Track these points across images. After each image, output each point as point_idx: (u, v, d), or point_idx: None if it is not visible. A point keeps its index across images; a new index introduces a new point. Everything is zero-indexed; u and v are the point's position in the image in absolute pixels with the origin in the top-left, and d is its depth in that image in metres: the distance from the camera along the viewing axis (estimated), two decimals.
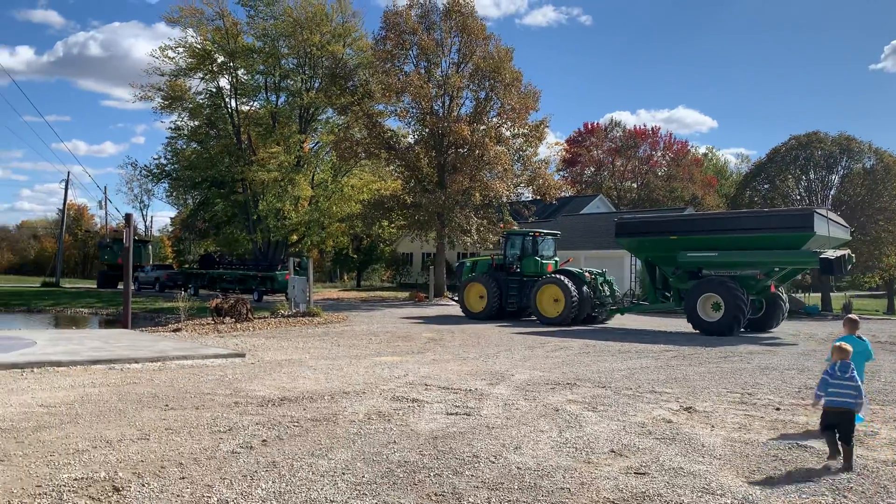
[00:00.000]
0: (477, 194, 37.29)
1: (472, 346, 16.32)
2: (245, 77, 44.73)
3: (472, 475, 5.78)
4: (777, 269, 20.24)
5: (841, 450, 6.16)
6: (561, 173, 66.72)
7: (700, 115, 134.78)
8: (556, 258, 25.82)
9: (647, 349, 16.31)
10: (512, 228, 29.76)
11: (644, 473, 5.87)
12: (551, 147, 71.52)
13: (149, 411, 8.19)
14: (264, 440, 6.88)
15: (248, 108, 46.32)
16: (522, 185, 41.14)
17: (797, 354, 15.92)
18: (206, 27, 42.37)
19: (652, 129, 66.85)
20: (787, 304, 21.88)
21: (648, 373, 12.35)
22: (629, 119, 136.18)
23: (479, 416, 8.14)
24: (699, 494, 5.38)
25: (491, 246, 37.64)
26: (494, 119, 37.76)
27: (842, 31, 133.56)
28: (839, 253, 19.02)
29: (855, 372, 6.30)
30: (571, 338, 18.65)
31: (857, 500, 5.30)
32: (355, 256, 54.52)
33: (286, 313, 24.73)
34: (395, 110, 37.89)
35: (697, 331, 20.37)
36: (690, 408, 8.92)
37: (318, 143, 46.57)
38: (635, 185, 64.85)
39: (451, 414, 8.27)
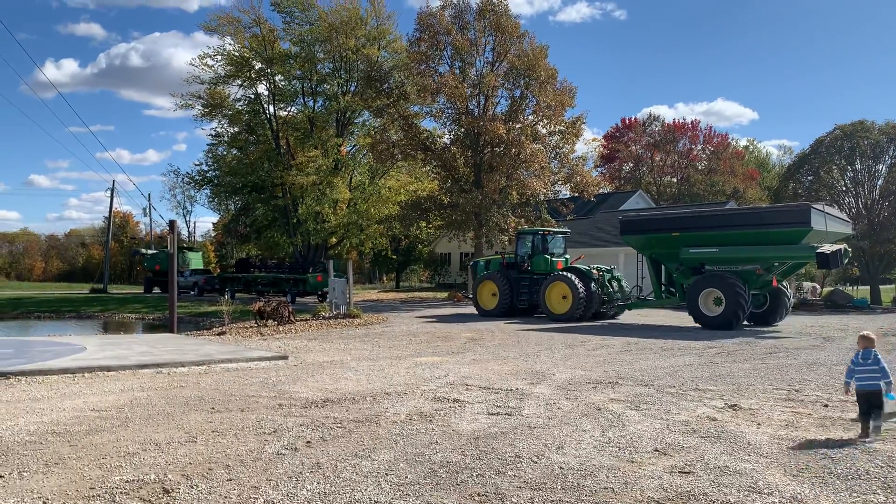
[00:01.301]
0: (514, 193, 37.17)
1: (512, 346, 16.29)
2: (282, 83, 45.31)
3: (514, 475, 5.79)
4: (777, 264, 20.44)
5: (872, 425, 6.97)
6: (599, 170, 66.09)
7: (740, 107, 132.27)
8: (567, 256, 26.38)
9: (689, 346, 16.09)
10: (523, 227, 29.86)
11: (689, 472, 5.81)
12: (588, 143, 70.99)
13: (195, 414, 8.36)
14: (308, 441, 6.98)
15: (285, 113, 46.93)
16: (560, 182, 40.82)
17: (845, 349, 15.53)
18: (243, 35, 43.07)
19: (691, 122, 65.83)
20: (791, 298, 22.00)
21: (692, 370, 12.18)
22: (667, 113, 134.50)
23: (521, 416, 8.14)
24: (746, 493, 5.31)
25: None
26: (530, 117, 37.58)
27: (886, 16, 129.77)
28: (835, 247, 19.09)
29: (879, 358, 7.03)
30: (613, 336, 18.50)
31: None
32: (394, 258, 54.82)
33: (327, 315, 25.00)
34: (431, 111, 37.98)
35: (699, 325, 20.56)
36: (735, 405, 8.78)
37: (354, 145, 46.95)
38: (675, 180, 63.90)
39: (493, 414, 8.28)
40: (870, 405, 6.96)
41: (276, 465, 6.15)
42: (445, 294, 39.79)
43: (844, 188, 38.75)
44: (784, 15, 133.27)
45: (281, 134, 45.61)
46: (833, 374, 11.59)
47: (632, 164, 65.52)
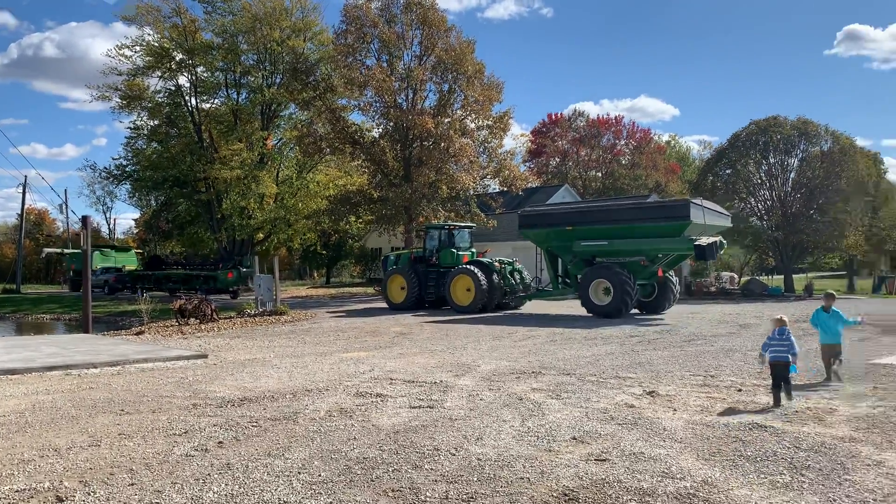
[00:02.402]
0: (444, 187, 37.14)
1: (441, 339, 16.24)
2: (205, 74, 44.02)
3: (431, 469, 5.70)
4: (661, 256, 21.40)
5: (784, 391, 8.10)
6: (527, 164, 66.80)
7: (662, 103, 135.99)
8: (473, 249, 27.08)
9: (612, 335, 16.38)
10: (430, 222, 30.30)
11: (604, 460, 5.83)
12: (517, 138, 71.64)
13: (102, 417, 7.96)
14: (220, 442, 6.72)
15: (208, 105, 45.64)
16: (489, 176, 41.09)
17: (760, 336, 16.05)
18: (162, 25, 41.60)
19: (615, 118, 67.26)
20: (678, 288, 23.05)
21: (613, 359, 12.38)
22: (592, 109, 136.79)
23: (443, 409, 8.06)
24: (659, 479, 5.36)
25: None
26: (458, 111, 37.58)
27: (797, 18, 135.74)
28: (712, 239, 20.14)
29: (790, 335, 8.29)
30: (539, 326, 18.67)
31: (814, 478, 5.32)
32: (324, 253, 54.08)
33: (253, 312, 24.41)
34: (359, 104, 37.52)
35: (590, 314, 21.33)
36: (653, 392, 8.93)
37: (281, 139, 46.05)
38: (600, 174, 65.17)
39: (415, 407, 8.17)
40: (779, 377, 8.07)
41: (183, 467, 5.88)
42: (376, 289, 39.45)
43: (759, 181, 40.24)
44: (703, 14, 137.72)
45: (204, 127, 44.30)
46: (747, 360, 11.96)
47: (558, 159, 66.46)
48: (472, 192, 39.19)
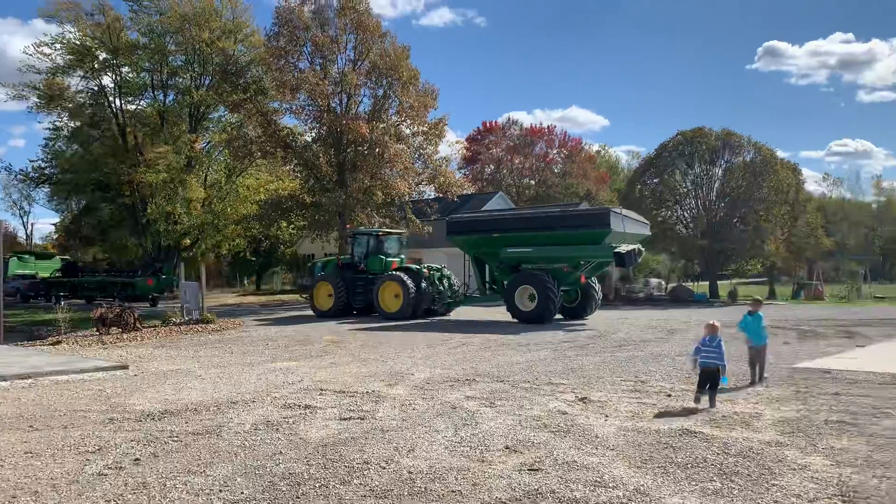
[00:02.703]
0: (378, 193, 36.84)
1: (374, 347, 15.99)
2: (130, 75, 42.54)
3: (360, 483, 5.50)
4: (583, 263, 21.92)
5: (709, 397, 8.40)
6: (462, 171, 67.04)
7: (593, 114, 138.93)
8: (402, 256, 27.18)
9: (545, 341, 16.46)
10: (358, 228, 30.18)
11: (537, 469, 5.75)
12: (452, 145, 71.84)
13: (9, 434, 7.44)
14: (137, 459, 6.35)
15: (133, 106, 44.12)
16: (424, 182, 40.94)
17: (688, 341, 16.43)
18: (85, 22, 39.97)
19: (548, 127, 68.25)
20: (600, 294, 23.64)
21: (546, 364, 12.40)
22: (526, 118, 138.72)
23: (374, 420, 7.86)
24: (592, 488, 5.30)
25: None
26: (393, 117, 37.39)
27: (720, 33, 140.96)
28: (631, 247, 20.85)
29: (721, 344, 8.56)
30: (473, 333, 18.62)
31: (743, 484, 5.36)
32: (253, 260, 52.89)
33: (178, 321, 23.56)
34: (291, 108, 36.86)
35: (516, 320, 21.63)
36: (585, 398, 8.95)
37: (209, 142, 44.85)
38: (533, 182, 65.98)
39: (345, 419, 7.94)
40: (708, 381, 8.44)
41: (94, 487, 5.51)
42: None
43: (685, 190, 41.40)
44: (633, 28, 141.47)
45: (129, 129, 42.79)
46: (676, 365, 12.16)
47: (493, 167, 66.99)
48: (407, 199, 39.03)
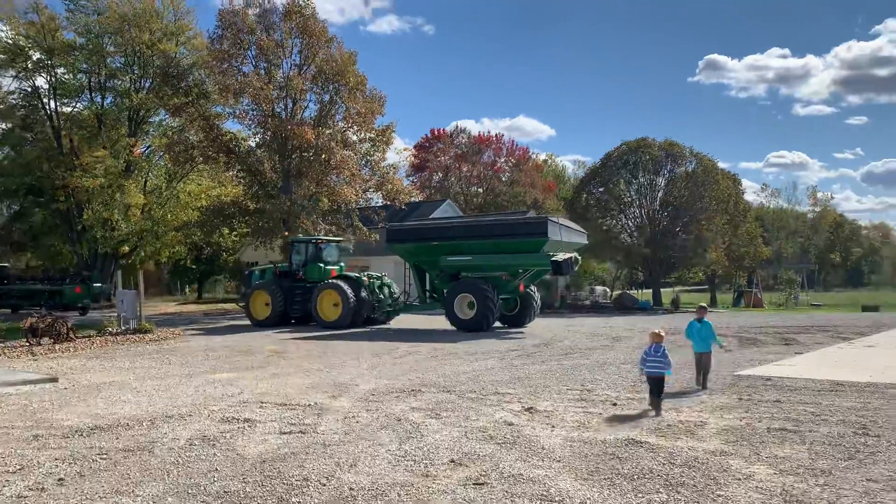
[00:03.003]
0: (325, 199, 36.40)
1: (318, 357, 15.66)
2: (66, 76, 41.12)
3: (298, 501, 5.26)
4: (521, 271, 22.08)
5: (656, 404, 8.61)
6: (410, 179, 66.87)
7: (539, 123, 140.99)
8: (342, 263, 26.86)
9: (492, 349, 16.39)
10: (297, 236, 29.84)
11: (483, 484, 5.61)
12: (400, 153, 71.76)
13: None
14: (61, 479, 5.97)
15: (69, 109, 42.64)
16: (371, 190, 40.63)
17: (632, 348, 16.59)
18: (17, 21, 38.49)
19: (496, 135, 68.62)
20: (538, 302, 23.88)
21: (493, 374, 12.30)
22: (474, 127, 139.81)
23: (316, 434, 7.60)
24: (538, 503, 5.18)
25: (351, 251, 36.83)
26: (340, 123, 37.01)
27: (664, 47, 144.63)
28: (567, 256, 21.19)
29: (665, 352, 8.84)
30: (420, 342, 18.44)
31: (689, 495, 5.32)
32: (194, 267, 51.64)
33: (115, 331, 22.75)
34: (234, 112, 36.14)
35: (455, 328, 21.67)
36: (532, 408, 8.86)
37: (149, 146, 43.62)
38: (481, 190, 66.22)
39: (285, 433, 7.66)
40: (656, 388, 8.68)
41: None
42: None
43: (630, 199, 42.12)
44: (579, 40, 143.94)
45: (64, 132, 41.32)
46: (621, 373, 12.21)
47: (441, 174, 67.01)
48: (354, 206, 38.64)
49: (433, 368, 13.27)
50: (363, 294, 23.86)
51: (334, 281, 24.13)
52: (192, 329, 24.56)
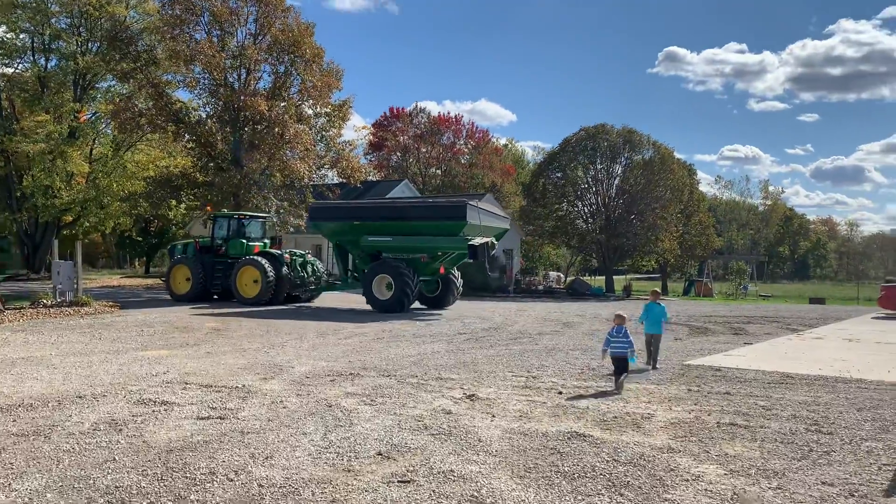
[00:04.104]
0: (277, 174, 35.38)
1: (260, 336, 14.98)
2: (7, 35, 39.14)
3: (198, 500, 4.67)
4: (440, 253, 22.00)
5: (619, 383, 8.99)
6: (368, 157, 65.86)
7: (501, 108, 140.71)
8: (267, 240, 26.58)
9: (441, 332, 15.92)
10: (219, 211, 29.27)
11: (409, 481, 5.08)
12: (358, 130, 70.54)
13: None
14: None
15: (10, 70, 40.68)
16: (326, 166, 39.67)
17: (582, 335, 16.29)
18: None
19: (455, 117, 67.95)
20: (461, 284, 23.86)
21: (438, 357, 11.81)
22: (435, 109, 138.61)
23: (236, 420, 6.99)
24: None
25: (292, 230, 35.86)
26: (295, 96, 35.92)
27: (625, 37, 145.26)
28: (484, 240, 21.19)
29: (627, 332, 9.29)
30: (368, 322, 17.87)
31: (633, 497, 4.87)
32: (141, 240, 50.03)
33: (49, 303, 21.68)
34: (185, 80, 34.72)
35: (372, 308, 21.64)
36: (473, 395, 8.38)
37: (96, 113, 41.89)
38: (439, 172, 65.61)
39: (203, 418, 7.04)
40: (619, 367, 9.07)
41: None
42: None
43: (586, 185, 41.95)
44: (542, 27, 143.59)
45: (4, 94, 39.39)
46: (570, 360, 11.83)
47: (399, 154, 66.14)
48: (307, 182, 37.66)
49: (377, 350, 12.73)
50: (284, 271, 23.65)
51: (254, 257, 23.80)
52: (134, 303, 23.56)
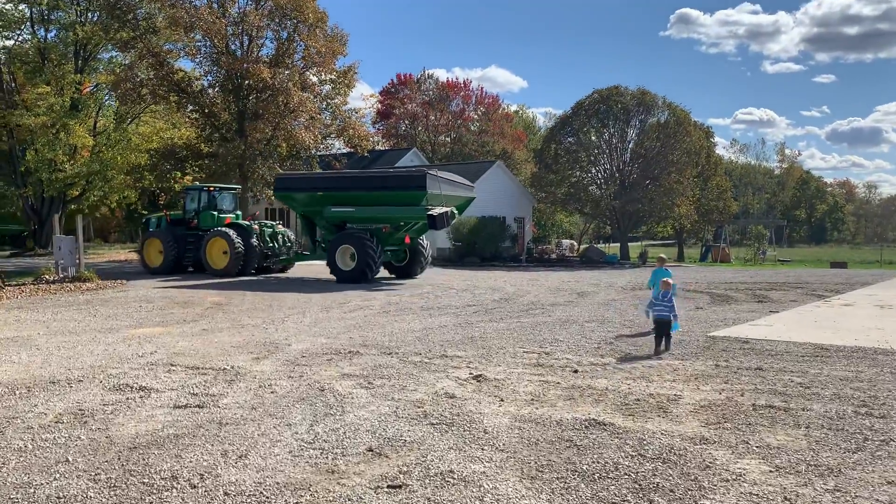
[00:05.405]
0: (283, 144, 34.58)
1: (261, 311, 14.33)
2: (5, 6, 38.29)
3: None
4: (403, 224, 21.90)
5: (663, 344, 9.38)
6: (376, 126, 64.80)
7: (511, 75, 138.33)
8: (239, 212, 26.64)
9: (449, 304, 15.22)
10: (192, 184, 29.04)
11: (400, 486, 4.36)
12: (366, 99, 69.40)
13: None
14: None
15: (10, 42, 39.90)
16: (332, 135, 38.78)
17: (597, 304, 15.53)
18: None
19: (463, 82, 66.59)
20: (429, 253, 23.87)
21: (444, 332, 11.10)
22: (444, 76, 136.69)
23: (217, 408, 6.31)
24: None
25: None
26: (299, 62, 34.94)
27: (635, 0, 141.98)
28: (443, 210, 20.75)
29: (674, 298, 9.71)
30: (375, 292, 17.19)
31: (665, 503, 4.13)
32: (146, 213, 49.52)
33: (51, 279, 21.23)
34: (186, 49, 33.79)
35: (335, 278, 21.57)
36: (480, 376, 7.66)
37: (97, 84, 41.09)
38: (449, 139, 64.48)
39: (180, 407, 6.36)
40: (661, 330, 9.40)
41: None
42: None
43: (598, 150, 40.79)
44: None
45: (4, 67, 38.64)
46: (585, 333, 11.09)
47: (408, 122, 65.00)
48: (313, 152, 36.84)
49: (381, 325, 12.04)
50: (253, 242, 23.72)
51: (222, 229, 23.85)
52: (139, 278, 23.02)
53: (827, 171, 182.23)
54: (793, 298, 17.01)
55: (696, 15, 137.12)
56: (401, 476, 4.51)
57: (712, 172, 44.26)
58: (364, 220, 21.78)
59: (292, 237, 26.05)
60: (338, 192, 22.07)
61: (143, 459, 4.85)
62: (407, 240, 22.35)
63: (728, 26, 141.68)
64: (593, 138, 40.71)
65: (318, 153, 38.72)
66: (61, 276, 21.50)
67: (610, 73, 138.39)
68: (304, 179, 24.40)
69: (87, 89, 40.80)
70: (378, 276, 22.17)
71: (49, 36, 39.37)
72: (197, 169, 35.57)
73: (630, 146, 40.07)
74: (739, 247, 51.90)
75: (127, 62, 36.83)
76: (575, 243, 46.00)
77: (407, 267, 23.20)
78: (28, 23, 39.23)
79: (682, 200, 38.83)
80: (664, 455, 4.93)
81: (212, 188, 26.10)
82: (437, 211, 20.53)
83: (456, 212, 22.22)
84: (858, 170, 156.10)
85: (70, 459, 4.87)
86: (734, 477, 4.51)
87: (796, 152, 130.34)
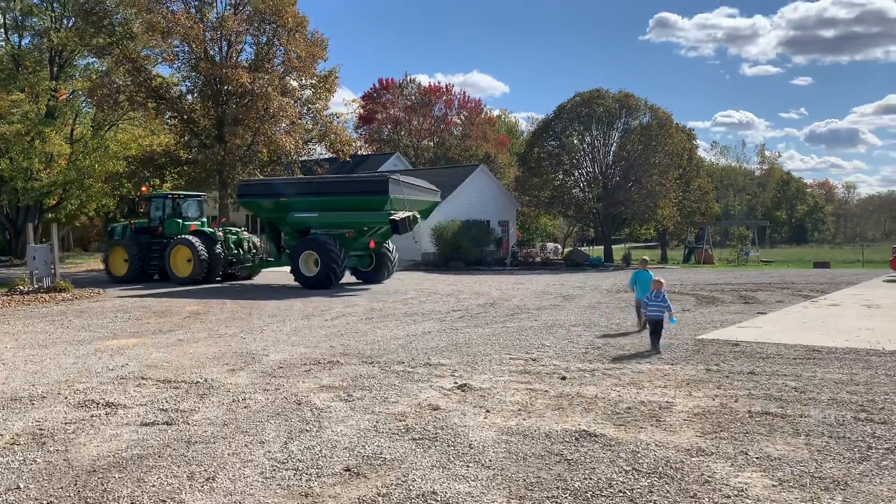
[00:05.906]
0: (264, 150, 34.13)
1: (240, 320, 13.95)
2: None
3: None
4: (366, 229, 21.71)
5: (654, 342, 9.53)
6: (359, 131, 64.44)
7: (493, 80, 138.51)
8: (204, 219, 26.33)
9: (434, 310, 14.91)
10: (155, 191, 29.31)
11: None
12: (348, 104, 68.97)
13: None
14: None
15: None
16: (314, 140, 38.40)
17: (583, 308, 15.29)
18: None
19: (446, 86, 66.45)
20: (395, 259, 23.67)
21: (428, 339, 10.79)
22: (426, 82, 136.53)
23: (185, 425, 5.97)
24: None
25: None
26: (279, 67, 34.55)
27: (614, 4, 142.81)
28: (405, 215, 20.64)
29: (666, 296, 9.86)
30: (357, 298, 16.84)
31: None
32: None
33: (26, 289, 20.68)
34: (163, 55, 33.30)
35: (299, 284, 21.37)
36: (465, 385, 7.35)
37: (74, 91, 40.42)
38: (432, 144, 64.23)
39: (147, 424, 6.01)
40: (656, 329, 9.58)
41: None
42: None
43: (581, 153, 40.63)
44: None
45: None
46: (572, 337, 10.83)
47: (391, 127, 64.70)
48: (294, 157, 36.40)
49: (363, 333, 11.72)
50: (217, 249, 23.53)
51: (185, 236, 23.65)
52: (117, 288, 22.50)
53: (806, 172, 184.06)
54: (779, 299, 16.87)
55: (674, 19, 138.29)
56: (379, 499, 4.19)
57: (694, 174, 44.29)
58: (327, 226, 21.57)
59: (258, 243, 25.72)
60: (301, 197, 21.88)
61: (101, 485, 4.50)
62: (372, 244, 22.14)
63: (706, 30, 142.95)
64: (576, 142, 40.54)
65: (300, 159, 38.28)
66: (36, 286, 20.95)
67: (590, 78, 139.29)
68: (266, 185, 24.15)
69: (64, 97, 40.13)
70: (343, 281, 21.90)
71: (23, 42, 38.70)
72: (176, 176, 35.05)
73: (613, 149, 39.93)
74: (722, 248, 51.99)
75: (103, 68, 36.25)
76: (559, 246, 45.86)
77: (373, 272, 22.99)
78: (1, 29, 38.53)
79: (665, 202, 38.73)
80: (660, 469, 4.65)
81: (176, 195, 25.80)
82: (399, 215, 20.38)
83: (419, 216, 22.03)
84: (837, 171, 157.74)
85: (21, 487, 4.51)
86: (736, 493, 4.23)
87: (776, 154, 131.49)
